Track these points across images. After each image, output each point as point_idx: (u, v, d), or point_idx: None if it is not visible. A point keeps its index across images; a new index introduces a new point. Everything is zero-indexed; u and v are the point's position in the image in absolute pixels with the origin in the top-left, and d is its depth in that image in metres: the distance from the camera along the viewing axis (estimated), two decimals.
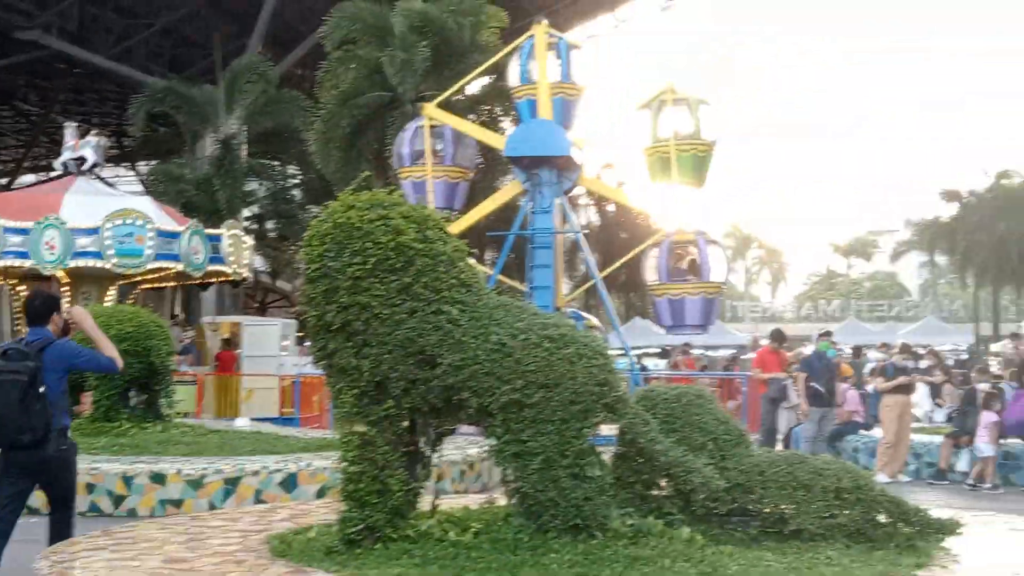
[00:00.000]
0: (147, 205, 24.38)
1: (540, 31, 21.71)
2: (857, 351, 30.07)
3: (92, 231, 22.76)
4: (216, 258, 23.96)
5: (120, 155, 45.42)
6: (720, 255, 20.99)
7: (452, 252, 7.84)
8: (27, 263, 22.86)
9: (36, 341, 8.04)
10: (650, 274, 20.47)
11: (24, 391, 7.71)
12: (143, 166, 48.09)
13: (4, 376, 7.71)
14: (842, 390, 18.97)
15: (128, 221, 22.61)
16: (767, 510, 7.91)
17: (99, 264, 22.92)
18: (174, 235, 23.25)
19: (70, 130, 26.14)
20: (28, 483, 8.17)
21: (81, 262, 22.97)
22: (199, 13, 36.99)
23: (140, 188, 42.91)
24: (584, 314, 21.83)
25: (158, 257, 22.92)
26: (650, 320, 44.05)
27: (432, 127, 22.32)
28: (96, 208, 23.29)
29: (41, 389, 7.78)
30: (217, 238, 24.16)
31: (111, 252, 22.62)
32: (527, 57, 21.97)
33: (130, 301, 23.55)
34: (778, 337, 20.21)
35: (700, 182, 21.04)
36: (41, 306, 8.35)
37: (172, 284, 26.48)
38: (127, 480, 12.73)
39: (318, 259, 7.67)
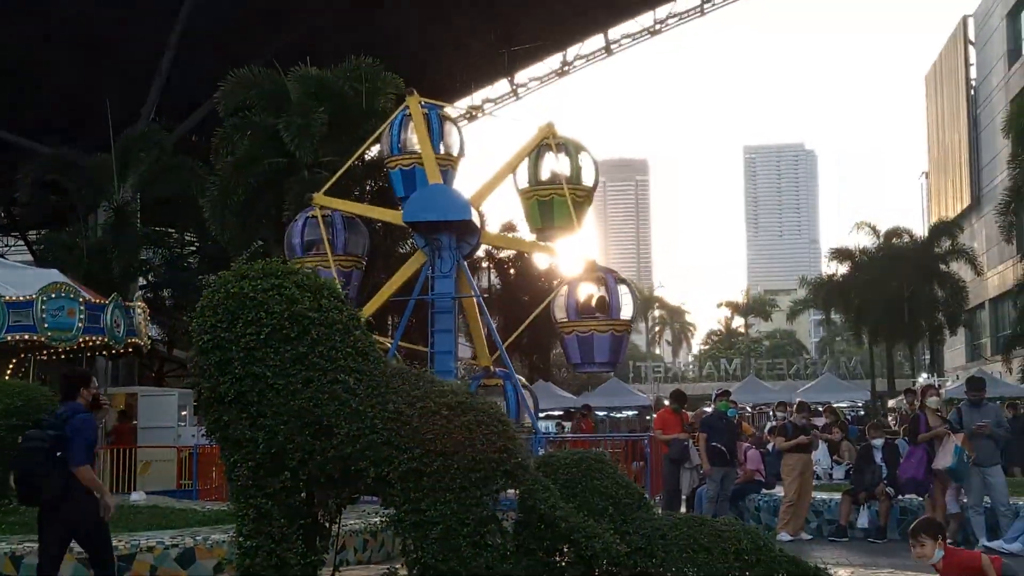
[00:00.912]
0: (57, 277, 23.82)
1: (414, 101, 21.86)
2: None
3: (26, 304, 22.23)
4: (131, 331, 23.51)
5: (9, 224, 44.49)
6: (628, 293, 21.11)
7: (347, 320, 7.78)
8: None
9: (63, 412, 9.17)
10: (559, 312, 20.49)
11: (45, 456, 8.89)
12: (33, 235, 47.21)
13: (31, 443, 9.02)
14: (743, 449, 19.14)
15: (61, 294, 22.15)
16: (669, 573, 7.89)
17: (34, 337, 22.38)
18: (100, 307, 22.77)
19: None
20: (56, 537, 9.35)
21: (17, 335, 22.39)
22: (91, 80, 36.55)
23: (30, 258, 42.00)
24: (516, 375, 21.75)
25: (86, 331, 22.41)
26: (552, 383, 44.24)
27: (323, 216, 22.26)
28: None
29: (59, 454, 8.88)
30: (131, 311, 23.71)
31: (45, 326, 22.10)
32: (399, 127, 22.05)
33: (19, 375, 22.86)
34: (678, 398, 20.33)
35: (576, 226, 21.33)
36: (66, 383, 9.50)
37: (62, 356, 25.79)
38: (16, 560, 12.27)
39: (210, 329, 7.55)
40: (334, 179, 23.24)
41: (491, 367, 20.53)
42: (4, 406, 15.95)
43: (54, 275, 24.38)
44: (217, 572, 11.77)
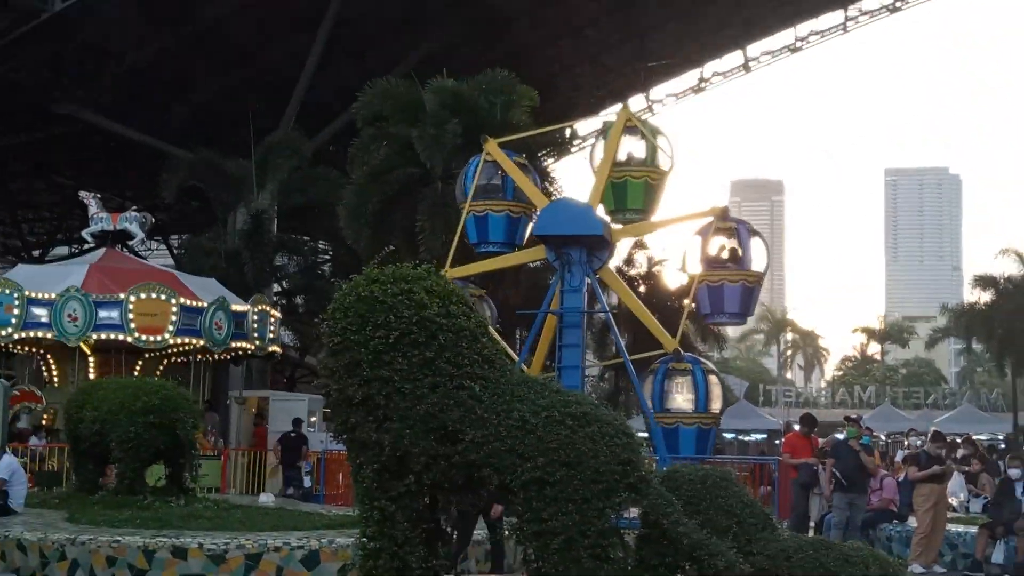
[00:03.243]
0: (81, 273, 24.42)
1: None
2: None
3: (116, 303, 22.84)
4: (239, 334, 23.82)
5: (153, 229, 45.91)
6: (761, 245, 20.67)
7: (475, 327, 7.79)
8: (50, 334, 22.98)
9: None
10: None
11: None
12: (175, 239, 48.56)
13: None
14: (880, 477, 18.66)
15: (153, 295, 22.72)
16: None
17: (122, 337, 22.97)
18: (198, 311, 23.20)
19: (94, 201, 26.38)
20: None
21: (104, 335, 23.06)
22: (233, 89, 37.49)
23: (171, 262, 43.22)
24: (703, 360, 21.34)
25: (180, 332, 22.88)
26: None
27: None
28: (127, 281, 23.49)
29: None
30: (242, 314, 24.04)
31: (134, 326, 22.67)
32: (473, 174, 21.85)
33: (156, 375, 23.51)
34: (808, 422, 19.90)
35: (652, 210, 21.03)
36: None
37: (199, 358, 26.43)
38: (148, 554, 12.58)
39: (340, 332, 7.64)
40: (497, 141, 23.02)
41: (679, 350, 20.04)
42: (142, 404, 16.43)
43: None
44: (341, 574, 11.87)
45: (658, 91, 53.62)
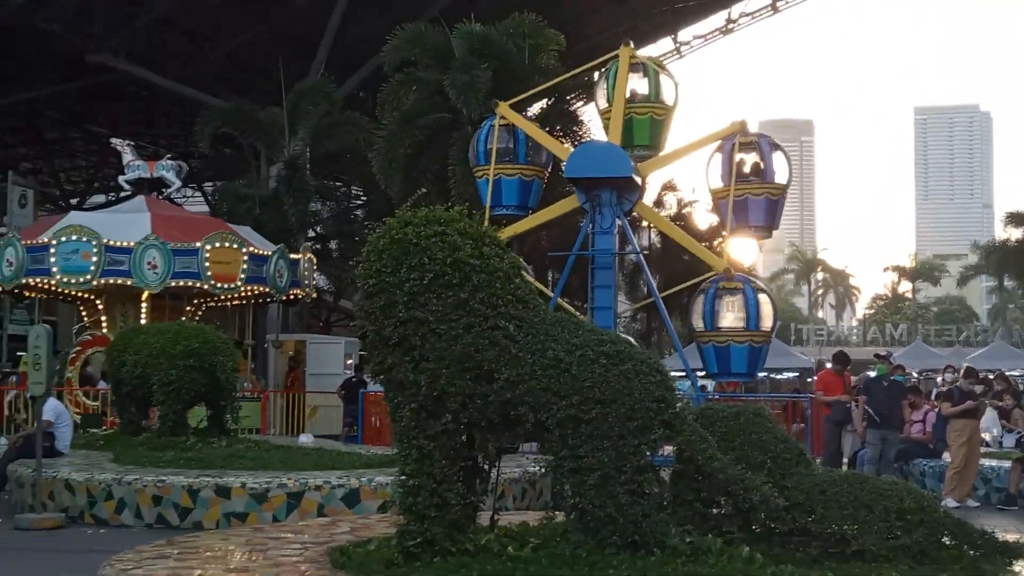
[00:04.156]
0: (143, 221, 24.57)
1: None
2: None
3: (43, 248, 23.10)
4: (188, 273, 24.07)
5: (187, 176, 46.18)
6: (783, 159, 20.61)
7: (508, 268, 7.87)
8: (130, 281, 23.29)
9: None
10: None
11: None
12: (208, 187, 48.79)
13: None
14: (923, 411, 18.73)
15: (74, 238, 22.94)
16: (828, 530, 7.80)
17: (198, 285, 23.65)
18: (125, 251, 23.31)
19: (128, 148, 26.53)
20: None
21: (33, 279, 23.53)
22: (262, 36, 37.48)
23: (206, 208, 43.46)
24: (753, 279, 21.31)
25: (106, 273, 23.13)
26: None
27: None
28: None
29: None
30: (192, 252, 24.06)
31: (55, 269, 22.97)
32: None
33: (195, 319, 23.80)
34: (841, 359, 19.95)
35: (659, 147, 21.01)
36: None
37: (233, 303, 26.71)
38: (193, 493, 12.89)
39: (376, 274, 7.74)
40: (513, 101, 23.03)
41: (730, 269, 20.07)
42: (182, 348, 16.72)
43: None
44: (381, 511, 12.10)
45: (685, 33, 53.23)
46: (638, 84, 20.95)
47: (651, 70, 21.54)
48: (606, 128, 22.02)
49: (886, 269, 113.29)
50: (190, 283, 23.87)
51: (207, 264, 23.61)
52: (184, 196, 37.88)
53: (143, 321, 23.07)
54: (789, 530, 7.94)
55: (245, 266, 24.28)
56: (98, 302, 24.75)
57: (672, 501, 7.88)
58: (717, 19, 52.74)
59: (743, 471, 7.77)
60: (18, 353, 27.69)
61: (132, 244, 23.12)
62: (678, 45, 53.21)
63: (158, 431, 16.93)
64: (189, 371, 16.61)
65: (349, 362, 30.24)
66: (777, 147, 20.61)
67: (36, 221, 30.56)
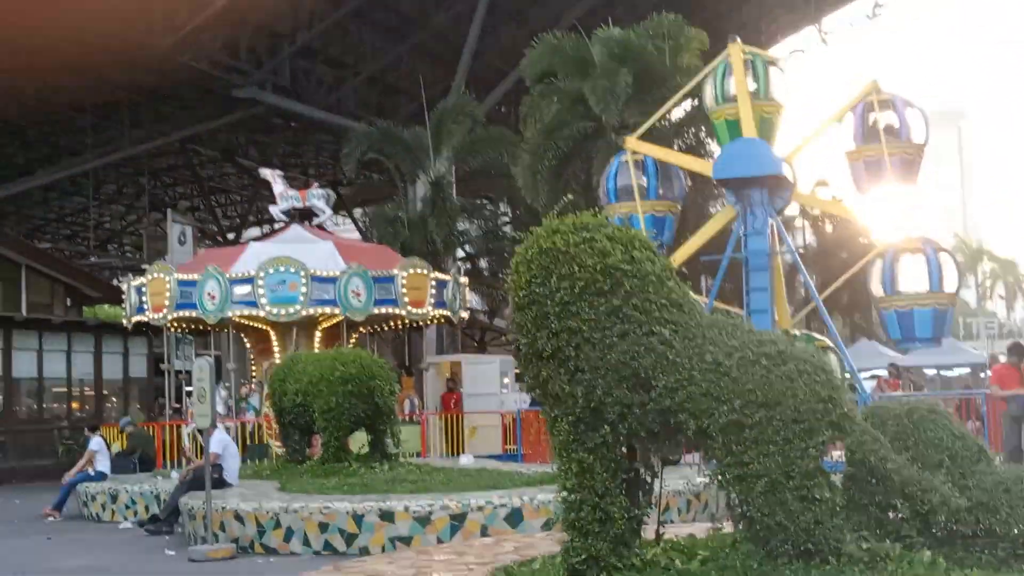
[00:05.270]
0: (326, 249, 24.71)
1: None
2: None
3: (247, 280, 23.31)
4: (387, 300, 23.94)
5: (336, 203, 47.09)
6: (919, 117, 19.85)
7: (660, 272, 7.64)
8: (336, 310, 23.41)
9: None
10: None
11: None
12: (359, 213, 49.58)
13: None
14: None
15: (281, 269, 23.02)
16: (1015, 530, 7.35)
17: (255, 312, 23.36)
18: (331, 280, 23.21)
19: (279, 179, 26.92)
20: None
21: (239, 311, 23.48)
22: (403, 58, 38.00)
23: (357, 235, 44.17)
24: (815, 335, 21.04)
25: (313, 303, 23.07)
26: (876, 340, 42.67)
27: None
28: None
29: None
30: (388, 279, 24.00)
31: (264, 300, 23.06)
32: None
33: (351, 344, 24.02)
34: (1017, 351, 19.05)
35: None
36: None
37: (390, 327, 26.96)
38: (358, 519, 12.94)
39: (525, 286, 7.60)
40: (642, 130, 23.00)
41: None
42: (340, 373, 16.85)
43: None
44: (545, 530, 11.96)
45: (829, 21, 52.03)
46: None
47: (760, 67, 21.15)
48: (717, 129, 21.71)
49: None
50: (389, 310, 23.98)
51: (404, 291, 23.78)
52: (335, 223, 38.53)
53: (316, 349, 23.26)
54: (973, 532, 7.49)
55: (433, 291, 24.43)
56: (272, 333, 24.98)
57: (846, 506, 7.50)
58: (863, 5, 51.44)
59: (919, 471, 7.39)
60: (186, 389, 28.33)
61: (337, 273, 23.23)
62: (823, 34, 52.04)
63: (321, 458, 17.09)
64: (348, 397, 16.72)
65: (506, 380, 30.26)
66: (912, 105, 20.00)
67: (196, 256, 31.37)
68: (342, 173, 38.59)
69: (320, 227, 27.48)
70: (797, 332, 20.85)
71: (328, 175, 46.32)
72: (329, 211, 27.43)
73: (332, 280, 23.13)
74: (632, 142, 22.08)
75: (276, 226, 30.63)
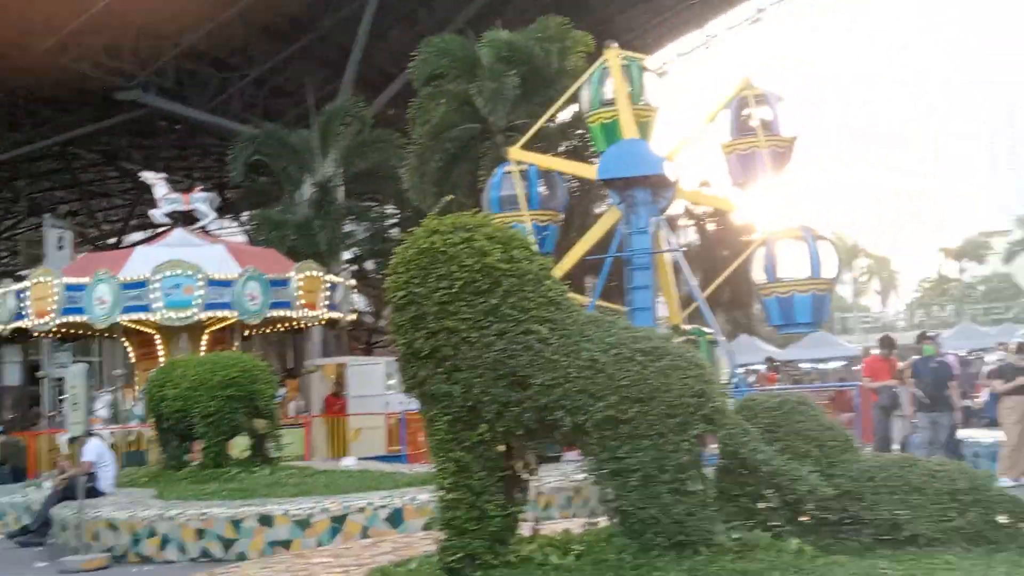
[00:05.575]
0: (218, 253, 24.50)
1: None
2: None
3: (140, 284, 22.99)
4: (282, 303, 23.91)
5: (223, 207, 46.42)
6: (791, 111, 20.46)
7: (538, 271, 7.72)
8: (232, 314, 23.25)
9: None
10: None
11: None
12: (246, 216, 48.95)
13: None
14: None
15: (177, 272, 22.77)
16: (880, 517, 7.60)
17: (148, 317, 23.11)
18: (227, 283, 23.19)
19: (160, 182, 26.52)
20: None
21: (133, 316, 23.22)
22: (291, 62, 37.63)
23: (244, 239, 43.62)
24: (705, 329, 21.41)
25: (209, 307, 22.98)
26: (756, 336, 43.50)
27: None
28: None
29: None
30: (283, 282, 24.07)
31: (159, 304, 22.79)
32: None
33: (234, 348, 23.76)
34: (887, 343, 19.64)
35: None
36: None
37: (276, 329, 26.70)
38: (236, 524, 12.80)
39: (404, 286, 7.61)
40: (527, 136, 23.21)
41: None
42: (221, 378, 16.63)
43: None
44: (426, 530, 11.97)
45: (714, 26, 52.83)
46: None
47: (635, 72, 21.53)
48: (593, 133, 22.05)
49: (931, 251, 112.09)
50: (283, 312, 24.01)
51: (298, 294, 23.70)
52: (221, 227, 38.00)
53: (203, 353, 22.96)
54: (839, 519, 7.75)
55: (327, 294, 24.45)
56: (158, 337, 24.57)
57: (718, 497, 7.68)
58: (747, 9, 52.32)
59: (789, 462, 7.58)
60: (60, 397, 27.73)
61: (233, 276, 23.11)
62: (707, 38, 52.85)
63: (201, 464, 16.86)
64: (228, 401, 16.53)
65: (391, 382, 30.18)
66: (783, 100, 20.57)
67: (77, 260, 30.65)
68: (229, 176, 38.13)
69: (204, 231, 27.13)
70: (688, 326, 21.19)
71: (214, 178, 45.66)
72: (213, 214, 27.09)
73: (228, 283, 23.04)
74: (516, 152, 22.24)
75: (159, 230, 30.09)
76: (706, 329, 21.44)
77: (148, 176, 27.15)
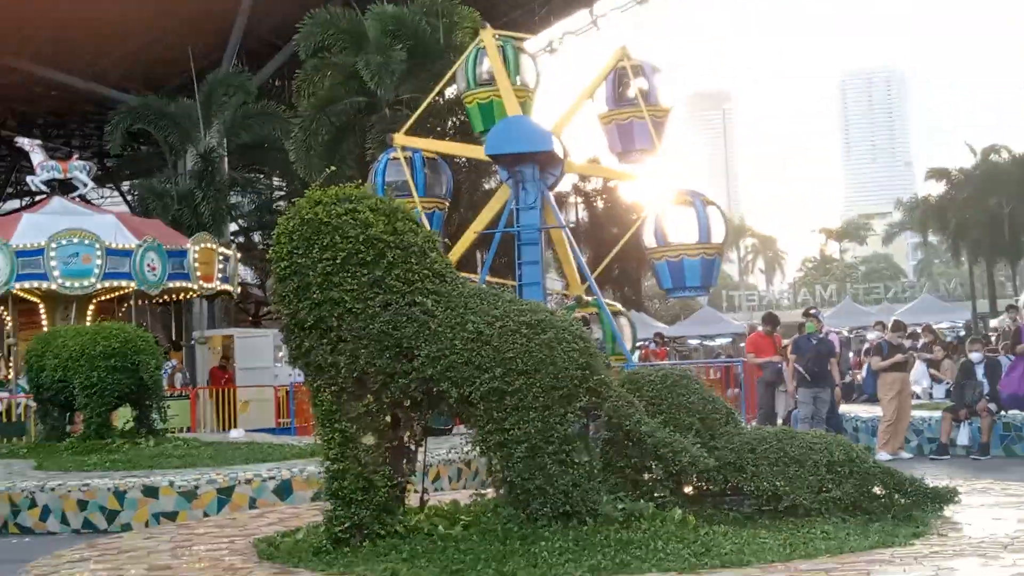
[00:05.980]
0: (110, 222, 24.09)
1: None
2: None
3: (37, 252, 22.54)
4: (180, 274, 23.68)
5: (103, 175, 45.31)
6: (666, 82, 20.81)
7: (423, 243, 7.69)
8: (132, 284, 22.87)
9: None
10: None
11: None
12: (126, 186, 47.96)
13: None
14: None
15: (75, 240, 22.38)
16: (760, 487, 7.76)
17: (45, 285, 22.68)
18: (126, 253, 22.90)
19: (37, 148, 25.86)
20: None
21: (27, 284, 22.75)
22: (173, 30, 36.87)
23: (125, 208, 42.75)
24: (611, 301, 21.57)
25: (107, 276, 22.68)
26: (644, 313, 44.08)
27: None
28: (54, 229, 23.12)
29: None
30: (181, 253, 23.83)
31: (56, 273, 22.39)
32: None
33: (118, 318, 23.28)
34: (770, 320, 20.01)
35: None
36: None
37: (160, 300, 26.24)
38: (119, 495, 12.55)
39: (287, 256, 7.53)
40: (415, 117, 23.10)
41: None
42: (102, 348, 16.28)
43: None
44: (314, 501, 11.89)
45: (602, 5, 53.03)
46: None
47: (511, 53, 21.58)
48: (470, 113, 22.06)
49: (814, 231, 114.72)
50: (181, 284, 23.90)
51: (196, 265, 23.51)
52: (101, 196, 37.17)
53: (88, 324, 22.49)
54: (721, 490, 7.91)
55: (221, 266, 24.41)
56: (42, 306, 23.96)
57: (603, 469, 7.76)
58: None
59: (672, 434, 7.68)
60: None
61: (132, 246, 22.82)
62: (594, 18, 53.03)
63: (82, 435, 16.48)
64: (111, 372, 16.18)
65: (281, 355, 29.89)
66: (659, 70, 20.82)
67: None
68: (108, 144, 37.26)
69: (83, 199, 26.47)
70: (589, 298, 21.28)
71: (94, 147, 44.60)
72: (91, 183, 26.52)
73: (127, 253, 22.83)
74: (400, 138, 22.05)
75: (38, 198, 29.32)
76: (610, 302, 21.61)
77: (23, 142, 26.39)
